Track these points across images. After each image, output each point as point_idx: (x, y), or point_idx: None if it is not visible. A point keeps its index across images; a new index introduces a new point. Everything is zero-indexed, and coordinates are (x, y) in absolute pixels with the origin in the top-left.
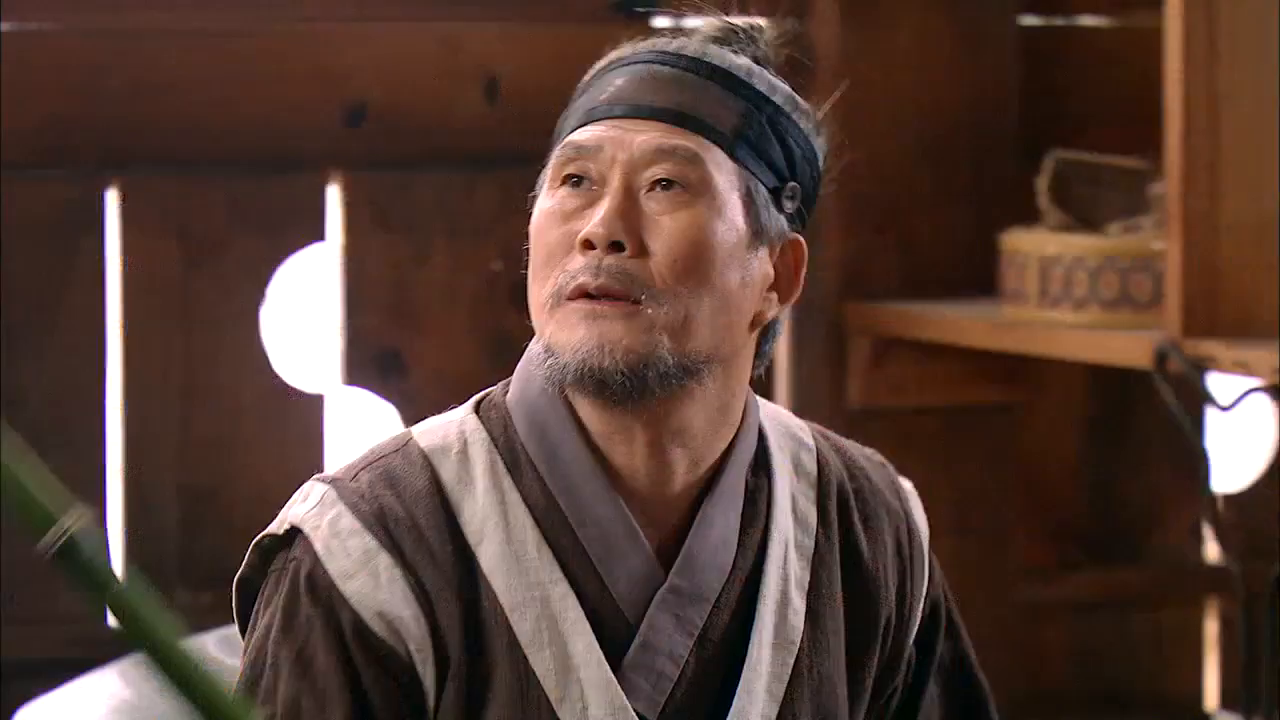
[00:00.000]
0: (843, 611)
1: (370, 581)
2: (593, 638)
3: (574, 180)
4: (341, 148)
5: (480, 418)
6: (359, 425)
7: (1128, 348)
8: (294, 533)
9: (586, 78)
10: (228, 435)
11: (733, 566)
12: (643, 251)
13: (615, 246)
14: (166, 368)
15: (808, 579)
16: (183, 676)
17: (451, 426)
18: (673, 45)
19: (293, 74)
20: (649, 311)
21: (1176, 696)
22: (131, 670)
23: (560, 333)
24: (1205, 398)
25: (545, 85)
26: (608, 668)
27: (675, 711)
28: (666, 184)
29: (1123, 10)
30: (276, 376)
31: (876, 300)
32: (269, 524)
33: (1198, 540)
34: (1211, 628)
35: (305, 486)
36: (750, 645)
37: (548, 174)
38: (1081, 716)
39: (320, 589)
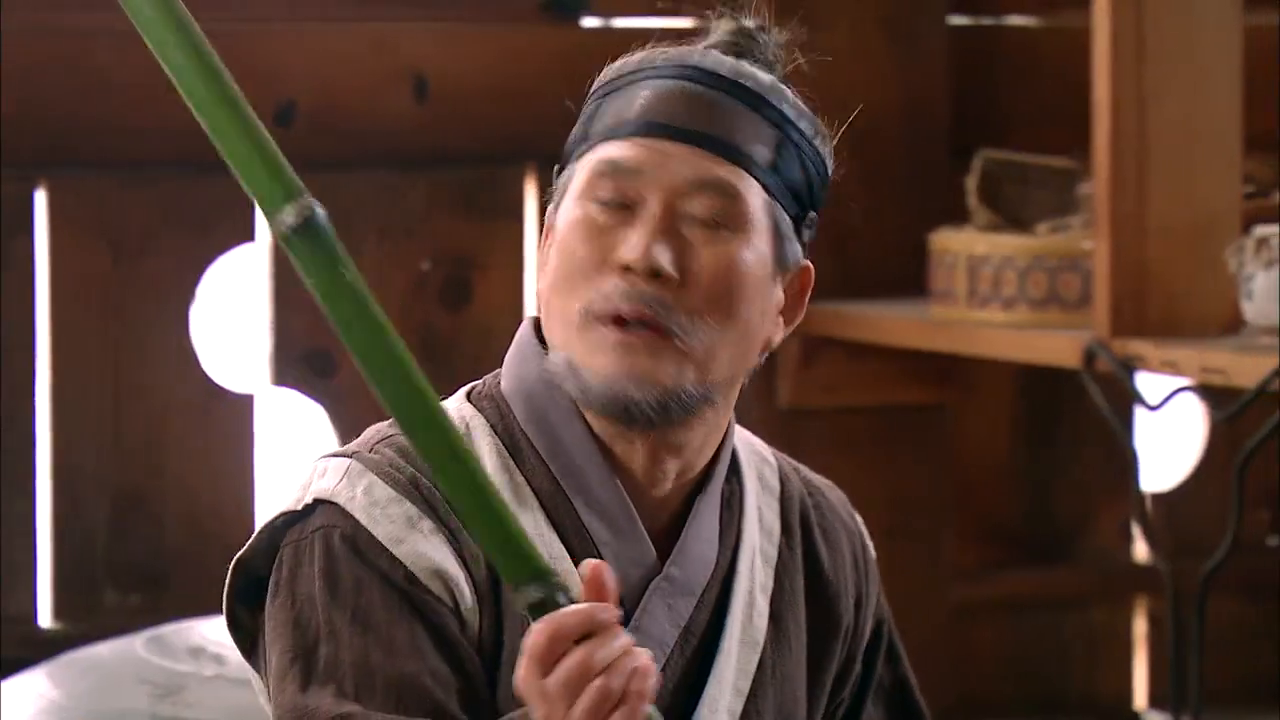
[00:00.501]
0: (805, 617)
1: (422, 542)
2: None
3: (608, 199)
4: None
5: (474, 405)
6: (288, 425)
7: (1056, 347)
8: (311, 508)
9: (606, 80)
10: (157, 435)
11: (714, 565)
12: (679, 281)
13: (653, 274)
14: (96, 368)
15: (771, 584)
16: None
17: (450, 413)
18: (705, 61)
19: None
20: (679, 345)
21: (1106, 696)
22: (60, 671)
23: (591, 357)
24: (1134, 397)
25: (475, 85)
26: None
27: (655, 699)
28: (706, 216)
29: (1051, 10)
30: (206, 376)
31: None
32: (197, 524)
33: (1127, 540)
34: (1140, 627)
35: (319, 465)
36: (723, 640)
37: (577, 180)
38: (1012, 717)
39: (368, 552)
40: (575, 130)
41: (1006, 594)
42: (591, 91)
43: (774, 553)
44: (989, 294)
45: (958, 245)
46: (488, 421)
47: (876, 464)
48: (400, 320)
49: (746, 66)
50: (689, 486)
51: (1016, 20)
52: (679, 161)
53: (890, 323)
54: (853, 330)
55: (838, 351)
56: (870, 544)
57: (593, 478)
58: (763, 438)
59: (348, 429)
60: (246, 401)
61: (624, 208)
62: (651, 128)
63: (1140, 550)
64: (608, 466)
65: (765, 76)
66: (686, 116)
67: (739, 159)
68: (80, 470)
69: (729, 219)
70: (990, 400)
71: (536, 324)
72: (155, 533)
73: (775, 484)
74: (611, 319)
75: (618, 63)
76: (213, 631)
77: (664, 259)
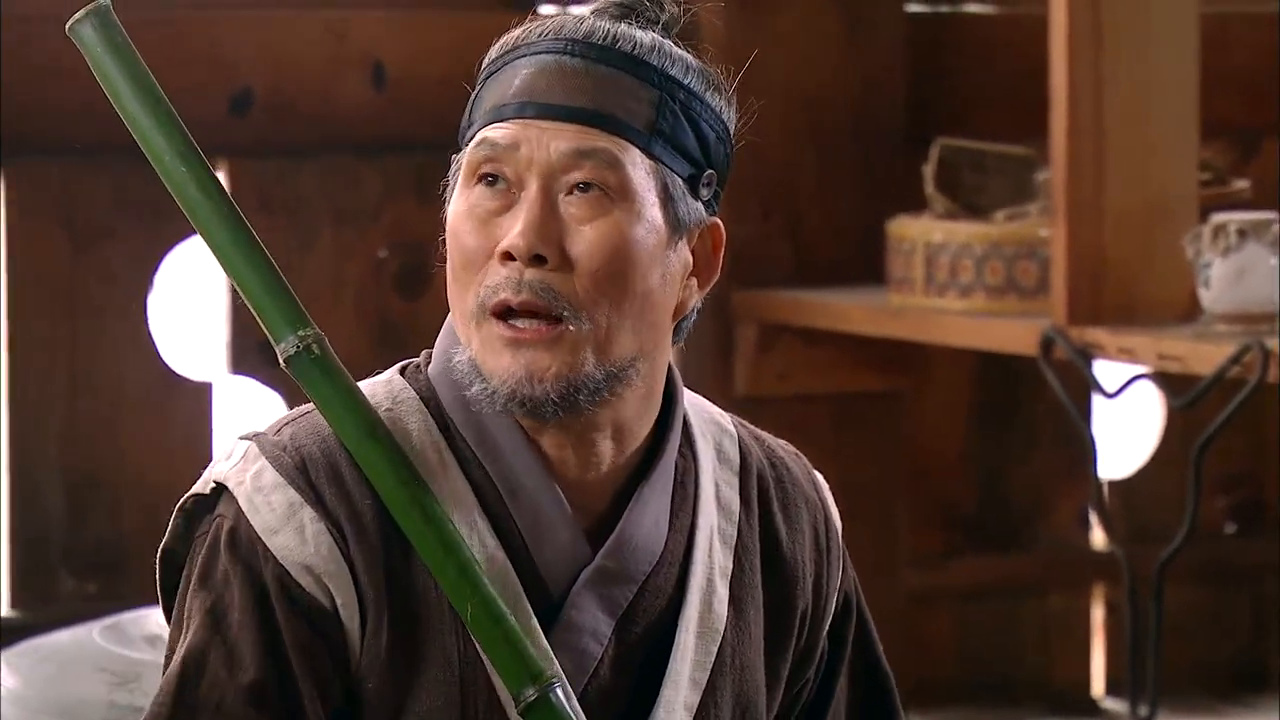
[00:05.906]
0: (763, 600)
1: (296, 537)
2: (530, 611)
3: (489, 179)
4: (227, 134)
5: (406, 380)
6: (245, 413)
7: (1014, 335)
8: (218, 492)
9: (490, 59)
10: (114, 423)
11: (663, 550)
12: (564, 263)
13: (536, 259)
14: (53, 356)
15: (730, 567)
16: None
17: (378, 385)
18: (580, 31)
19: (179, 60)
20: (571, 329)
21: (1063, 684)
22: (18, 659)
23: (487, 357)
24: (1091, 384)
25: (431, 72)
26: (543, 642)
27: (598, 691)
28: (585, 187)
29: None
30: (164, 364)
31: (763, 287)
32: (155, 512)
33: (1084, 527)
34: (1098, 614)
35: (228, 444)
36: (678, 632)
37: (461, 169)
38: (967, 704)
39: (242, 544)
40: (464, 118)
41: (963, 581)
42: (477, 75)
43: (733, 532)
44: (946, 281)
45: (915, 232)
46: (420, 396)
47: (833, 451)
48: (356, 308)
49: (625, 29)
50: (633, 464)
51: (974, 7)
52: (554, 137)
53: (847, 310)
54: (809, 318)
55: (794, 339)
56: (835, 514)
57: (518, 466)
58: None
59: None
60: (204, 389)
61: (506, 192)
62: (526, 107)
63: (1097, 537)
64: (534, 454)
65: (645, 36)
66: (559, 91)
67: (616, 128)
68: (37, 458)
69: (609, 187)
70: (947, 387)
71: None
72: (112, 521)
73: (735, 456)
74: (500, 311)
75: (499, 42)
76: None
77: (545, 243)
